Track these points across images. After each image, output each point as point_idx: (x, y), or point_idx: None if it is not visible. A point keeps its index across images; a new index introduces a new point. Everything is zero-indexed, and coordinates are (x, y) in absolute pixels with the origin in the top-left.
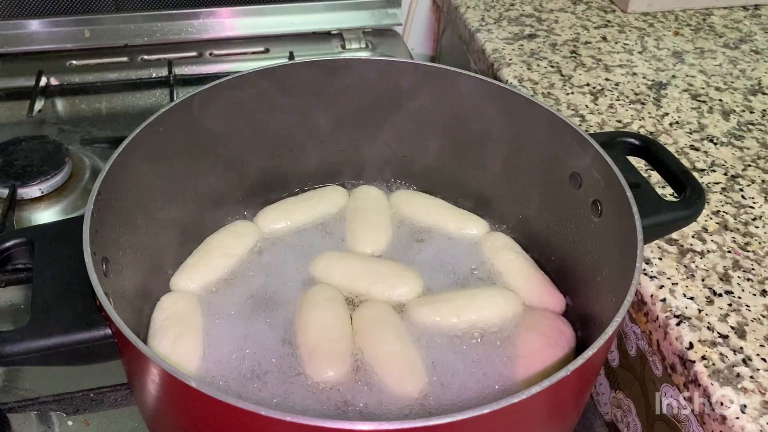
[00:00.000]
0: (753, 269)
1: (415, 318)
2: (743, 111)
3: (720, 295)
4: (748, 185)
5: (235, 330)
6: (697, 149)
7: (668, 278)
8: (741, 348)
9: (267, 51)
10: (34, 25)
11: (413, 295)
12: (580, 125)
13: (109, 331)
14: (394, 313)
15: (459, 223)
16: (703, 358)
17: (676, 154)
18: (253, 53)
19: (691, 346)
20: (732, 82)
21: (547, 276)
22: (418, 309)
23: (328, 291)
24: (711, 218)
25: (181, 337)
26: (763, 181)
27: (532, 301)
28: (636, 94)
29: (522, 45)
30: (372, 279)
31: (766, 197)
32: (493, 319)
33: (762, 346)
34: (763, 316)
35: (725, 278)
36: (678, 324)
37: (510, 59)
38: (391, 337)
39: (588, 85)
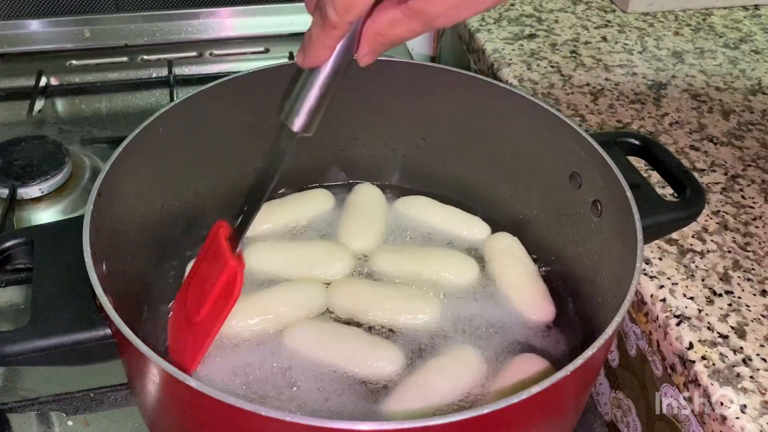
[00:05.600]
0: (753, 269)
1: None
2: (743, 111)
3: (720, 295)
4: (748, 185)
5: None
6: (697, 149)
7: (668, 278)
8: (741, 348)
9: (267, 51)
10: (34, 25)
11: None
12: (580, 125)
13: (109, 331)
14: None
15: (462, 225)
16: (703, 358)
17: (676, 154)
18: (253, 53)
19: (691, 346)
20: (732, 82)
21: (543, 285)
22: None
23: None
24: (711, 218)
25: None
26: (763, 181)
27: (518, 309)
28: (636, 94)
29: (522, 45)
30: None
31: (766, 197)
32: (451, 280)
33: (762, 346)
34: (763, 316)
35: (725, 278)
36: (678, 324)
37: (510, 59)
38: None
39: (588, 85)
